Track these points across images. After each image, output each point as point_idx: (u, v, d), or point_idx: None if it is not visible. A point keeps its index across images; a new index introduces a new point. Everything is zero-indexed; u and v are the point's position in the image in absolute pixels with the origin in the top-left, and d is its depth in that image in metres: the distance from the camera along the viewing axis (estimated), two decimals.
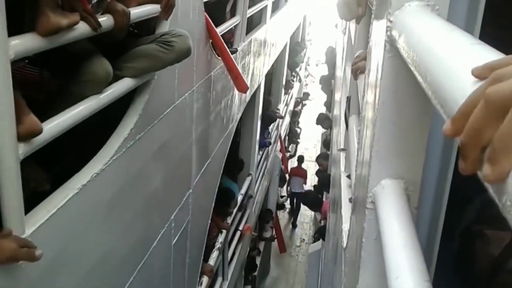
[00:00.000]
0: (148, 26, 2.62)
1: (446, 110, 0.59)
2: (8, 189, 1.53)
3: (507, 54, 0.55)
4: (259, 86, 7.38)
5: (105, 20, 1.96)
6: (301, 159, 14.23)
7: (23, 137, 1.54)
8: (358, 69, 2.67)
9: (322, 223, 8.34)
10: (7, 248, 1.51)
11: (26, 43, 1.54)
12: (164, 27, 2.63)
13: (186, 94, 3.43)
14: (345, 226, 2.67)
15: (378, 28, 1.43)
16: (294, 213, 14.83)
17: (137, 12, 2.25)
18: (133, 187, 2.69)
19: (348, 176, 3.34)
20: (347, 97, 4.00)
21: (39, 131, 1.60)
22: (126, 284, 2.68)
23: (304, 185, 13.80)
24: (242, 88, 4.62)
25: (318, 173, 11.32)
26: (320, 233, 8.02)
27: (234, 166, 7.24)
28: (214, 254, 5.63)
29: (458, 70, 0.59)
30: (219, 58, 4.20)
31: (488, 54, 0.58)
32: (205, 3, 3.65)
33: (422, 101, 1.19)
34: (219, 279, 6.36)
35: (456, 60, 0.63)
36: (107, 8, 2.06)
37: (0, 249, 1.49)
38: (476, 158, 0.45)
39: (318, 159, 11.37)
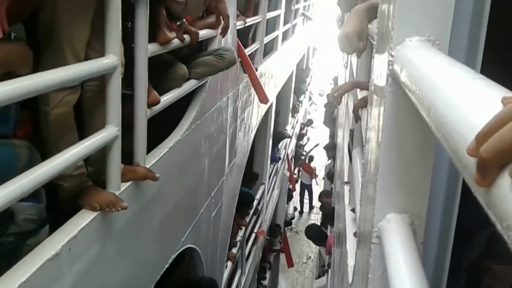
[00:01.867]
0: (201, 44, 3.64)
1: (450, 144, 0.59)
2: (139, 137, 2.53)
3: (508, 88, 0.55)
4: (271, 105, 8.60)
5: (186, 37, 2.98)
6: (311, 158, 16.97)
7: (149, 105, 2.57)
8: (359, 107, 2.70)
9: (327, 258, 8.22)
10: (141, 171, 2.51)
11: (153, 47, 2.60)
12: (216, 44, 3.72)
13: (224, 99, 4.43)
14: (351, 261, 2.63)
15: (380, 62, 1.44)
16: (302, 203, 17.72)
17: (203, 33, 3.35)
18: (193, 159, 3.75)
19: (353, 210, 3.31)
20: (350, 130, 4.01)
21: (158, 102, 2.67)
22: (188, 230, 3.74)
23: (311, 179, 17.07)
24: (264, 100, 5.67)
25: (321, 208, 11.26)
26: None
27: (250, 177, 8.11)
28: (236, 245, 6.80)
29: (460, 104, 0.60)
30: (245, 74, 5.26)
31: (490, 88, 0.59)
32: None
33: (425, 134, 1.19)
34: (238, 272, 7.29)
35: (459, 94, 0.64)
36: (185, 29, 2.98)
37: (137, 171, 2.49)
38: (495, 174, 0.45)
39: (321, 198, 11.42)
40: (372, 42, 1.83)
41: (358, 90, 3.37)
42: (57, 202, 2.10)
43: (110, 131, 2.14)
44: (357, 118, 2.72)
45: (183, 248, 3.64)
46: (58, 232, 1.91)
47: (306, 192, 18.06)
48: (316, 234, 9.24)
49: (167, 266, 3.26)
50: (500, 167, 0.44)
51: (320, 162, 18.15)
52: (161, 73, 2.95)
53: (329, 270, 7.16)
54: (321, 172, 17.37)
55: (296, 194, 16.89)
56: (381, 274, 1.34)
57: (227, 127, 4.74)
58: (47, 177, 1.68)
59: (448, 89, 0.68)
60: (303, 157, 16.91)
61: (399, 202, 1.28)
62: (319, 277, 10.25)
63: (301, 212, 17.85)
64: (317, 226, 10.78)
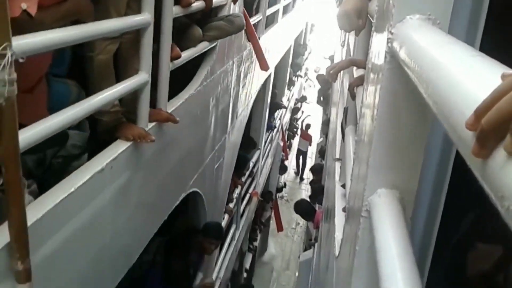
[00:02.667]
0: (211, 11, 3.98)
1: (447, 119, 0.60)
2: (162, 86, 2.93)
3: (508, 66, 0.56)
4: (269, 76, 9.11)
5: (202, 3, 3.34)
6: (308, 127, 17.87)
7: (172, 59, 2.95)
8: (355, 85, 2.70)
9: (314, 232, 8.33)
10: (164, 114, 2.95)
11: (177, 9, 2.91)
12: (226, 11, 4.07)
13: (230, 63, 4.85)
14: (338, 235, 2.68)
15: (379, 40, 1.45)
16: (300, 169, 18.83)
17: (216, 1, 3.69)
18: (202, 113, 4.19)
19: (343, 186, 3.35)
20: (344, 108, 4.02)
21: (180, 57, 3.06)
22: (195, 176, 4.24)
23: (309, 146, 18.12)
24: (264, 67, 6.13)
25: (312, 183, 11.37)
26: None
27: (248, 143, 8.70)
28: (233, 202, 7.39)
29: (460, 79, 0.61)
30: (249, 42, 5.65)
31: (489, 65, 0.60)
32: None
33: (420, 113, 1.21)
34: (233, 226, 7.95)
35: (458, 70, 0.65)
36: None
37: (161, 114, 2.92)
38: (493, 146, 0.46)
39: (313, 171, 11.61)
40: (372, 20, 1.83)
41: (354, 68, 3.37)
42: (95, 135, 2.53)
43: (142, 76, 2.58)
44: (352, 96, 2.73)
45: (190, 190, 4.15)
46: (101, 154, 2.37)
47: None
48: (305, 209, 9.33)
49: (177, 203, 3.77)
50: (498, 139, 0.45)
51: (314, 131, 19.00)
52: (180, 34, 3.25)
53: (316, 244, 7.27)
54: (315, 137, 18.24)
55: (293, 159, 18.65)
56: (369, 247, 1.37)
57: (231, 89, 5.22)
58: (91, 110, 2.09)
59: (448, 65, 0.69)
60: (296, 130, 17.70)
61: (391, 177, 1.31)
62: (305, 250, 10.39)
63: (300, 177, 18.99)
64: (306, 201, 10.86)
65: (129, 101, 2.68)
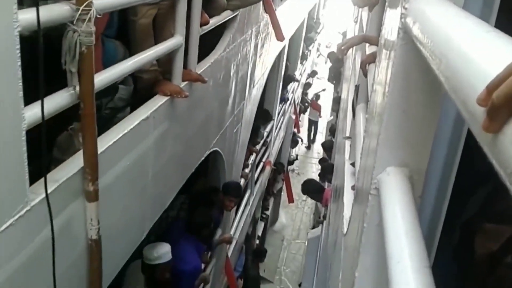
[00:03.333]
0: None
1: (459, 94, 0.59)
2: (192, 49, 3.23)
3: None
4: (283, 48, 9.30)
5: None
6: (318, 97, 18.58)
7: (201, 24, 3.20)
8: (367, 62, 2.67)
9: (323, 210, 8.36)
10: (194, 74, 3.28)
11: None
12: None
13: (249, 32, 5.14)
14: (347, 213, 2.69)
15: (392, 16, 1.42)
16: (311, 137, 19.73)
17: None
18: (225, 78, 4.47)
19: (352, 164, 3.35)
20: (356, 86, 3.99)
21: (208, 23, 3.32)
22: (217, 136, 4.65)
23: (319, 116, 18.90)
24: (280, 37, 6.32)
25: (321, 162, 11.37)
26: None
27: (263, 116, 9.06)
28: (248, 167, 7.83)
29: (473, 55, 0.60)
30: (266, 13, 5.87)
31: (503, 41, 0.59)
32: None
33: (432, 90, 1.19)
34: (248, 192, 8.35)
35: (471, 47, 0.64)
36: None
37: (192, 74, 3.25)
38: (504, 120, 0.46)
39: (324, 148, 11.67)
40: None
41: (367, 45, 3.33)
42: (136, 91, 2.83)
43: (177, 39, 2.87)
44: (364, 73, 2.70)
45: (213, 149, 4.60)
46: (145, 105, 2.74)
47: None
48: (313, 188, 9.33)
49: (202, 159, 4.18)
50: (509, 114, 0.44)
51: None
52: (206, 3, 3.46)
53: (324, 222, 7.31)
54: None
55: (304, 130, 19.33)
56: (377, 224, 1.37)
57: (249, 58, 5.56)
58: (135, 67, 2.45)
59: (462, 41, 0.67)
60: (307, 104, 18.32)
61: (401, 155, 1.30)
62: (313, 227, 10.45)
63: (308, 147, 19.92)
64: (314, 180, 10.87)
65: (164, 62, 3.00)
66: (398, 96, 1.26)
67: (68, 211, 1.99)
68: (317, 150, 18.59)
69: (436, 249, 1.54)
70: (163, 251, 3.85)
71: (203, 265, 5.16)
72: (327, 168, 9.07)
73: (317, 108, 18.71)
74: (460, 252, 1.69)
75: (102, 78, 2.08)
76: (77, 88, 1.86)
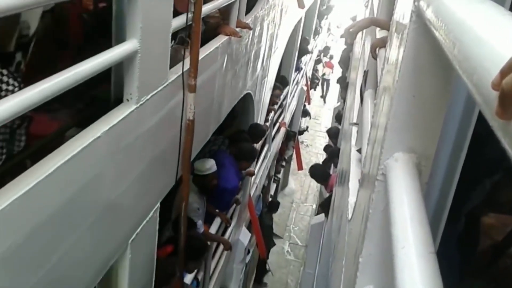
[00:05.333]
0: None
1: (472, 79, 0.58)
2: (242, 5, 4.41)
3: None
4: (300, 19, 10.51)
5: None
6: (331, 57, 22.21)
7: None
8: (377, 46, 2.64)
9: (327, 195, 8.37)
10: (243, 22, 4.53)
11: None
12: None
13: (271, 1, 5.97)
14: (352, 199, 2.68)
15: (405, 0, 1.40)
16: (324, 93, 23.83)
17: None
18: (260, 33, 5.65)
19: (359, 151, 3.34)
20: (364, 71, 3.96)
21: None
22: (250, 82, 5.85)
23: (331, 73, 22.11)
24: (302, 5, 7.55)
25: (326, 149, 11.38)
26: (322, 207, 8.31)
27: (280, 81, 10.10)
28: (268, 122, 8.93)
29: (488, 38, 0.58)
30: None
31: None
32: None
33: (443, 75, 1.18)
34: (266, 146, 9.36)
35: (486, 30, 0.62)
36: None
37: (242, 22, 4.49)
38: None
39: (329, 135, 11.71)
40: None
41: (377, 29, 3.29)
42: (205, 33, 3.48)
43: None
44: (374, 57, 2.67)
45: (246, 92, 5.71)
46: (213, 41, 3.84)
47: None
48: (319, 172, 9.34)
49: (239, 98, 5.41)
50: None
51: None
52: None
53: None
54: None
55: (319, 86, 22.99)
56: (382, 210, 1.37)
57: (276, 22, 6.63)
58: (205, 12, 3.24)
59: (476, 24, 0.66)
60: (317, 81, 21.30)
61: (409, 141, 1.29)
62: (317, 214, 10.48)
63: (324, 99, 23.96)
64: (320, 165, 10.87)
65: (224, 11, 3.99)
66: (408, 81, 1.24)
67: (176, 99, 3.09)
68: (325, 124, 20.24)
69: (441, 236, 1.54)
70: (211, 164, 5.07)
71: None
72: (332, 153, 9.08)
73: (330, 67, 22.25)
74: (464, 240, 1.68)
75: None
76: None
